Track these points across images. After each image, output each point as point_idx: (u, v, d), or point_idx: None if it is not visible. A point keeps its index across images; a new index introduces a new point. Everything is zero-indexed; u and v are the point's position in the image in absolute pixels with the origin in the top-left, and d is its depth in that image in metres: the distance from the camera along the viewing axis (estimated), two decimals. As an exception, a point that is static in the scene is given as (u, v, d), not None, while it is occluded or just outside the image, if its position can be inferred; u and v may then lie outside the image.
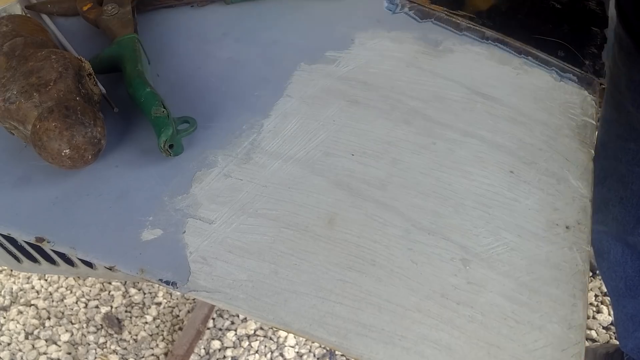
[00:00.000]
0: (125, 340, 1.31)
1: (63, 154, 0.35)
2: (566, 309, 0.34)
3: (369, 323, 0.32)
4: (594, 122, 0.44)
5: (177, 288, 0.33)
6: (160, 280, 0.33)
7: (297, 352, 1.25)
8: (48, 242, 0.34)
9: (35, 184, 0.38)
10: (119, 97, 0.43)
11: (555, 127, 0.43)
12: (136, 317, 1.35)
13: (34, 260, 0.47)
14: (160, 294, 1.38)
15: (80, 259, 0.46)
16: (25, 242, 0.45)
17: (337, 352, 1.23)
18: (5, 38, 0.41)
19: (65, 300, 1.38)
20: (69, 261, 0.47)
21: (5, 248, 0.47)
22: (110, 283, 1.40)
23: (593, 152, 0.42)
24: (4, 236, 0.45)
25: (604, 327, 1.22)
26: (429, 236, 0.36)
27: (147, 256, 0.34)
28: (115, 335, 1.32)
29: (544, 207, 0.38)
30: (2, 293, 1.42)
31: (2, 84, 0.37)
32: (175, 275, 0.33)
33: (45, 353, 1.30)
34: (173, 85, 0.44)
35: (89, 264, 0.46)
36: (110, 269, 0.46)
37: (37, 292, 1.41)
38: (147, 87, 0.39)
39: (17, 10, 0.49)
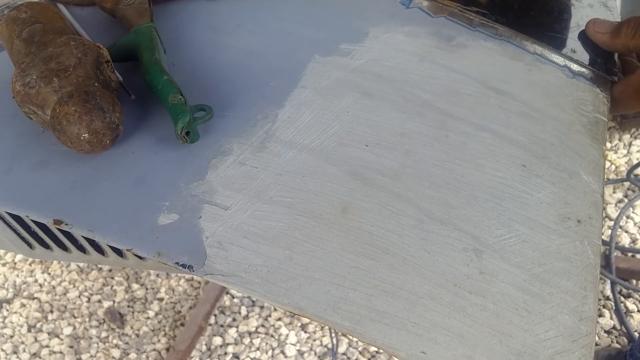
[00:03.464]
0: (127, 335, 1.31)
1: (82, 138, 0.36)
2: (577, 301, 0.35)
3: (382, 309, 0.33)
4: (605, 119, 0.44)
5: (193, 271, 0.33)
6: (177, 263, 0.33)
7: (299, 350, 1.25)
8: (66, 224, 0.35)
9: (53, 167, 0.38)
10: (136, 85, 0.43)
11: (567, 123, 0.43)
12: (138, 312, 1.36)
13: (46, 246, 0.48)
14: (163, 289, 1.39)
15: (92, 246, 0.46)
16: (38, 227, 0.45)
17: (338, 351, 1.23)
18: (25, 24, 0.41)
19: (68, 294, 1.38)
20: (80, 248, 0.47)
21: (18, 234, 0.47)
22: (113, 278, 1.41)
23: (604, 148, 0.43)
24: (18, 222, 0.45)
25: (605, 331, 1.22)
26: (441, 226, 0.36)
27: (163, 240, 0.34)
28: (117, 330, 1.33)
29: (556, 200, 0.39)
30: (6, 286, 1.42)
31: (22, 69, 0.38)
32: (192, 259, 0.34)
33: (47, 346, 1.30)
34: (189, 75, 0.44)
35: (101, 251, 0.47)
36: (121, 255, 0.46)
37: (40, 285, 1.41)
38: (165, 75, 0.40)
39: (35, -2, 0.49)
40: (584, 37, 0.49)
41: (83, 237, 0.44)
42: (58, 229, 0.39)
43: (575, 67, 0.47)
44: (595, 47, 0.48)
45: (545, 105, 0.44)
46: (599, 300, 1.28)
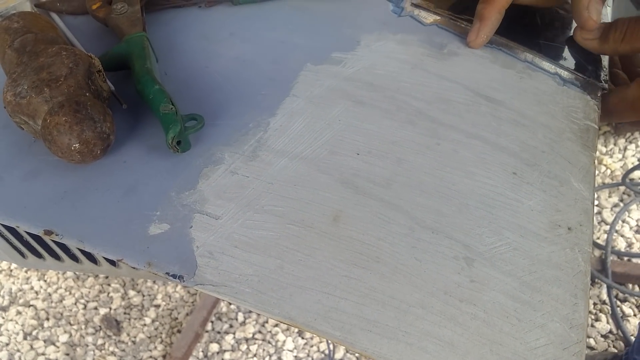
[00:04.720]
0: (123, 342, 1.31)
1: (73, 148, 0.36)
2: (567, 309, 0.35)
3: (373, 318, 0.33)
4: (596, 126, 0.44)
5: (183, 281, 0.33)
6: (167, 273, 0.33)
7: (296, 357, 1.25)
8: (57, 234, 0.35)
9: (44, 178, 0.38)
10: (127, 94, 0.43)
11: (558, 130, 0.43)
12: (135, 319, 1.35)
13: (39, 255, 0.48)
14: (159, 296, 1.39)
15: (84, 255, 0.46)
16: (30, 237, 0.45)
17: (335, 357, 1.23)
18: (17, 34, 0.41)
19: (64, 302, 1.38)
20: (73, 257, 0.47)
21: (10, 243, 0.47)
22: (109, 285, 1.40)
23: (595, 155, 0.43)
24: (10, 232, 0.45)
25: (602, 336, 1.22)
26: (432, 235, 0.37)
27: (154, 250, 0.34)
28: (113, 337, 1.32)
29: (547, 208, 0.39)
30: (1, 293, 1.42)
31: (13, 79, 0.38)
32: (182, 269, 0.34)
33: (43, 354, 1.29)
34: (180, 84, 0.45)
35: (94, 260, 0.47)
36: (114, 265, 0.46)
37: (36, 292, 1.41)
38: (156, 85, 0.40)
39: (27, 8, 0.50)
40: (574, 43, 0.49)
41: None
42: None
43: (565, 74, 0.47)
44: (585, 54, 0.48)
45: (536, 113, 0.44)
46: (595, 304, 1.28)
